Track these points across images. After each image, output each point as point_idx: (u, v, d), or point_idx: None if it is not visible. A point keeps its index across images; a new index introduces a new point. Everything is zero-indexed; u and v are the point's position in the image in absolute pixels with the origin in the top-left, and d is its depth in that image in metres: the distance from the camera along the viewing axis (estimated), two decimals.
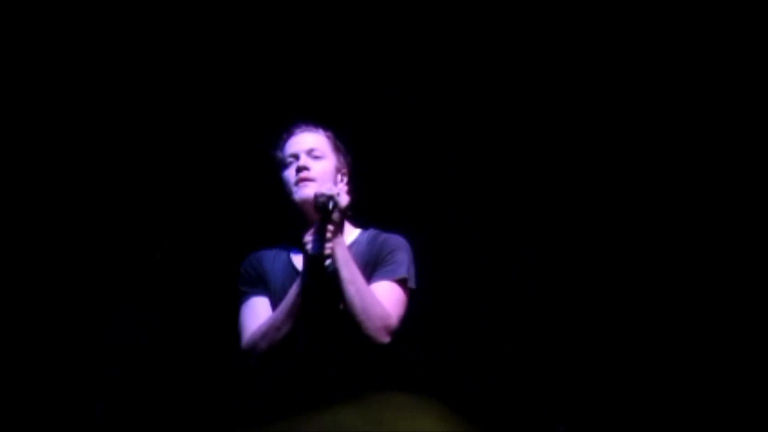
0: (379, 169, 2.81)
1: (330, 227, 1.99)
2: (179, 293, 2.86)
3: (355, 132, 2.37)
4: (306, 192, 2.07)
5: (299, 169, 2.10)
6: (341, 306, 2.00)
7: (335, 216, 2.00)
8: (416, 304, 2.12)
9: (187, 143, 3.05)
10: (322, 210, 1.98)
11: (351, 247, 2.09)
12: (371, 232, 2.17)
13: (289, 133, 2.20)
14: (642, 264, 3.27)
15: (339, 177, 2.17)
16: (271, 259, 2.19)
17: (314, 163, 2.13)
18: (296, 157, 2.14)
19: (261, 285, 2.14)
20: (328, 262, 2.02)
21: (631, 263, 3.26)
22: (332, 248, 1.99)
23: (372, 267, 2.07)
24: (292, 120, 2.25)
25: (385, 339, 1.96)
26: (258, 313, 2.09)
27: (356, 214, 2.14)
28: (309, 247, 2.01)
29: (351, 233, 2.15)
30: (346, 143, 2.26)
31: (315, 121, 2.24)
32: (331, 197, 1.99)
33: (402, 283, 2.05)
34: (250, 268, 2.19)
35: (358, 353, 2.00)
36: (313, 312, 2.02)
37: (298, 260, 2.12)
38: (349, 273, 1.98)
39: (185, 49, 3.02)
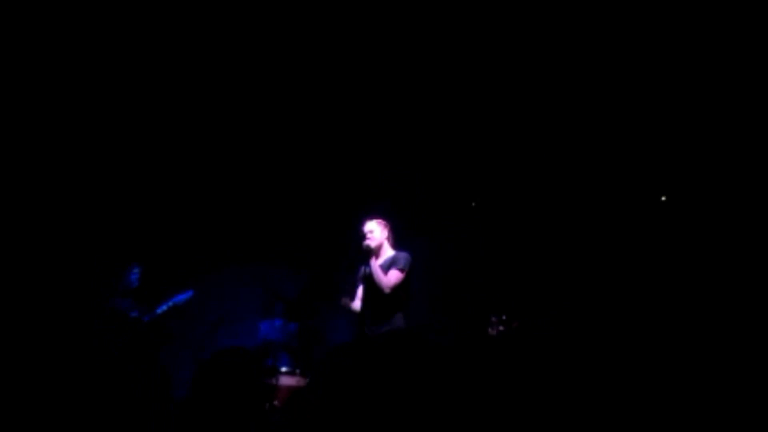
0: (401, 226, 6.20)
1: (370, 259, 5.27)
2: None
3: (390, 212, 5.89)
4: (365, 245, 5.39)
5: (365, 237, 5.41)
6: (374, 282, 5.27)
7: (370, 252, 5.30)
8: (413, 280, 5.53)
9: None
10: (366, 251, 5.31)
11: (388, 257, 5.49)
12: (396, 252, 5.51)
13: (363, 223, 5.52)
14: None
15: (385, 233, 5.52)
16: (361, 269, 5.52)
17: (371, 234, 5.44)
18: (364, 234, 5.44)
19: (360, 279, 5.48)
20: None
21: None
22: (371, 264, 5.28)
23: (391, 265, 5.34)
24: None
25: (387, 291, 5.16)
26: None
27: (394, 244, 5.61)
28: (363, 269, 5.31)
29: (390, 252, 5.47)
30: (387, 218, 5.64)
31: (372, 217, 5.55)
32: (368, 246, 5.30)
33: (400, 270, 5.26)
34: (356, 273, 5.53)
35: (381, 297, 5.24)
36: (368, 286, 5.37)
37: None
38: (375, 272, 5.19)
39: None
